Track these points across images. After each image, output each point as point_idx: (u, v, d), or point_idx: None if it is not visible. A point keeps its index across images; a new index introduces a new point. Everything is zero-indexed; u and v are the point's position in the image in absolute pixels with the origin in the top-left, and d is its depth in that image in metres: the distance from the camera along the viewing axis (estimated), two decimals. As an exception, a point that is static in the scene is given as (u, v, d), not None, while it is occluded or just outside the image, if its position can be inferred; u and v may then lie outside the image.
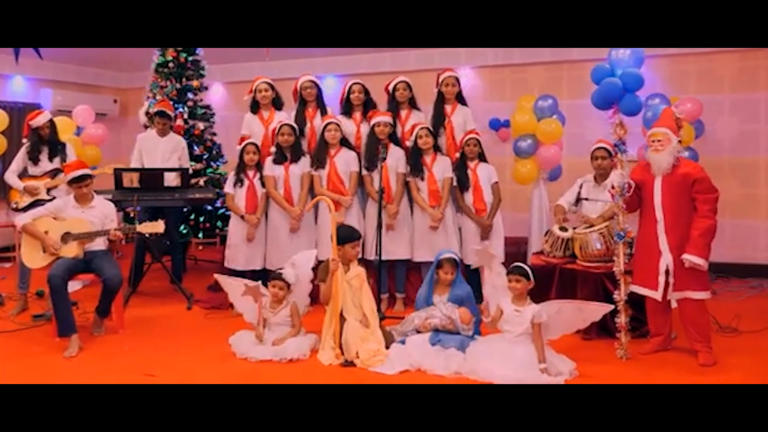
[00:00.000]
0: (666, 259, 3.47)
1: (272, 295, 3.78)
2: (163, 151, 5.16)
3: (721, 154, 5.80)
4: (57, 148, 4.75)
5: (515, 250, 5.59)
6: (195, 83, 6.19)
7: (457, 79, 4.78)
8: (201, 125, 6.12)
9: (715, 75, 5.87)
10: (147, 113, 5.90)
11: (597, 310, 3.37)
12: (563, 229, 4.22)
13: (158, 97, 6.03)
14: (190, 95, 6.13)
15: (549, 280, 4.05)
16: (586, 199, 4.21)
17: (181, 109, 6.01)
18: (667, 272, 3.48)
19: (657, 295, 3.52)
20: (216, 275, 3.95)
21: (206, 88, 6.44)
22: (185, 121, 6.01)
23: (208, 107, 6.36)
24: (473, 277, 4.34)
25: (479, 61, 6.69)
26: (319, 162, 4.62)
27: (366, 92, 4.84)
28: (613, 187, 3.59)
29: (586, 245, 4.00)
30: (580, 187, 4.35)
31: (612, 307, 3.40)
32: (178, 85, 6.09)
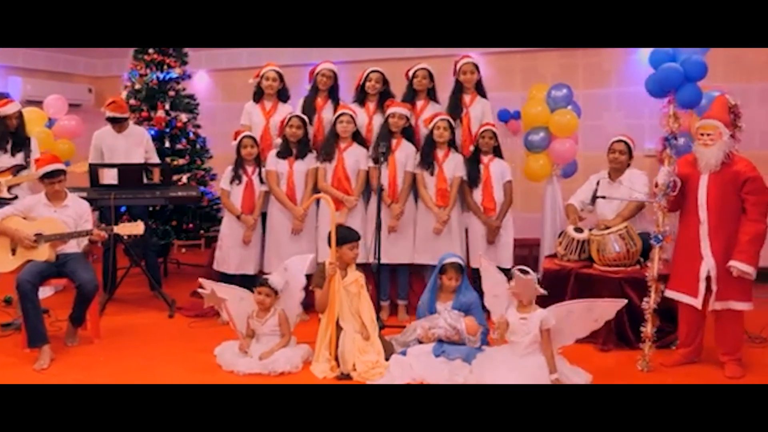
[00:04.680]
0: (708, 264, 3.43)
1: (258, 303, 3.78)
2: (127, 147, 5.14)
3: (750, 148, 5.76)
4: (23, 143, 4.74)
5: (526, 253, 5.59)
6: (177, 71, 6.18)
7: (476, 66, 4.78)
8: (184, 117, 6.11)
9: (744, 62, 5.87)
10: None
11: (609, 308, 3.36)
12: (578, 230, 4.22)
13: (137, 86, 6.03)
14: (171, 84, 6.12)
15: (563, 286, 4.04)
16: (604, 198, 4.21)
17: (162, 100, 6.00)
18: (707, 278, 3.43)
19: (696, 302, 3.48)
20: (201, 279, 3.94)
21: (189, 77, 6.44)
22: (167, 113, 6.01)
23: (191, 97, 6.35)
24: (479, 283, 4.33)
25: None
26: (326, 155, 4.60)
27: (385, 82, 4.82)
28: (656, 185, 3.52)
29: (604, 248, 4.00)
30: (597, 184, 4.35)
31: (625, 301, 3.38)
32: (158, 73, 6.08)
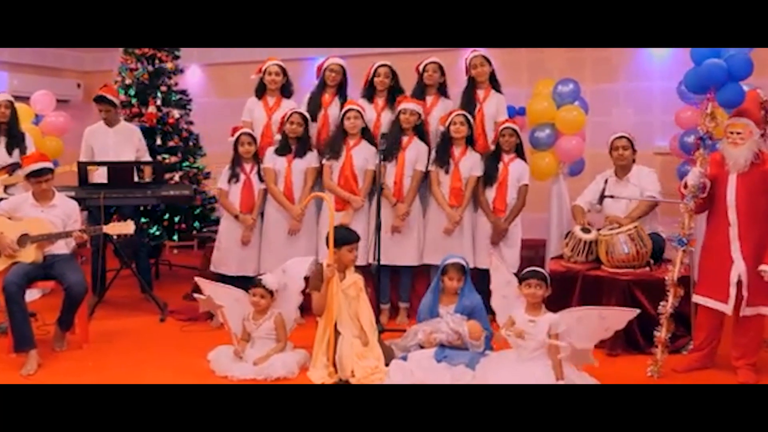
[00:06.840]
0: (738, 268, 3.40)
1: (253, 304, 3.78)
2: (115, 144, 5.14)
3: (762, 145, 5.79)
4: (17, 139, 4.71)
5: (532, 254, 5.57)
6: (169, 65, 6.17)
7: (487, 58, 4.77)
8: (176, 113, 6.10)
9: (759, 57, 5.84)
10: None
11: (621, 317, 3.36)
12: (586, 230, 4.21)
13: (128, 81, 6.02)
14: (163, 79, 6.12)
15: (570, 289, 4.04)
16: (612, 197, 4.20)
17: (153, 95, 5.99)
18: (738, 283, 3.41)
19: (727, 308, 3.45)
20: (198, 279, 3.94)
21: (182, 71, 6.42)
22: (158, 109, 6.00)
23: (183, 92, 6.34)
24: (485, 284, 4.33)
25: (491, 40, 6.67)
26: (333, 152, 4.57)
27: (394, 77, 4.81)
28: (685, 186, 3.51)
29: (613, 249, 3.99)
30: (605, 182, 4.35)
31: (638, 311, 3.37)
32: (150, 68, 6.07)
